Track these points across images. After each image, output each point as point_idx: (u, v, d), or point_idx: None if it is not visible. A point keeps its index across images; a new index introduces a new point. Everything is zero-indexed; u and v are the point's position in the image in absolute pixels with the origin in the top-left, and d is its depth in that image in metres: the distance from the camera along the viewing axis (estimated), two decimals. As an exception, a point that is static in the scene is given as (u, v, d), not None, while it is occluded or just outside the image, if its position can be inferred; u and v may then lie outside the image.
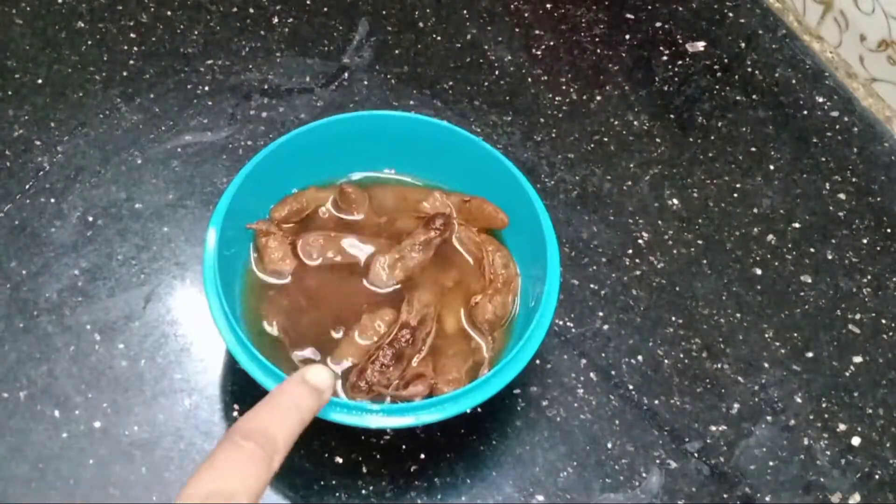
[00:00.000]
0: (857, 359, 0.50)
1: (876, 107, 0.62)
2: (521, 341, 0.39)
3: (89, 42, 0.60)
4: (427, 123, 0.47)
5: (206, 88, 0.58)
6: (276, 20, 0.62)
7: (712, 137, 0.59)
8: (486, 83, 0.60)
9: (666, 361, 0.49)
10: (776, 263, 0.53)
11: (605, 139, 0.58)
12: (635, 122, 0.59)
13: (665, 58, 0.63)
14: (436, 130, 0.47)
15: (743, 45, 0.64)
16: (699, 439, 0.47)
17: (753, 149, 0.58)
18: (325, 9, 0.63)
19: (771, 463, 0.46)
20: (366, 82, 0.59)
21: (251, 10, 0.63)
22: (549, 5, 0.65)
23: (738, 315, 0.51)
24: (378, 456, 0.45)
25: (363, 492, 0.44)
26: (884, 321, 0.52)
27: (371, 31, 0.62)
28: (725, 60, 0.63)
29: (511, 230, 0.47)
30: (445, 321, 0.44)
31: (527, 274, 0.46)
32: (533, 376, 0.48)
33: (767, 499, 0.45)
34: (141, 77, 0.58)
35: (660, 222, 0.55)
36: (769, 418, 0.48)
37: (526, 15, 0.64)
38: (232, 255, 0.44)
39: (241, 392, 0.46)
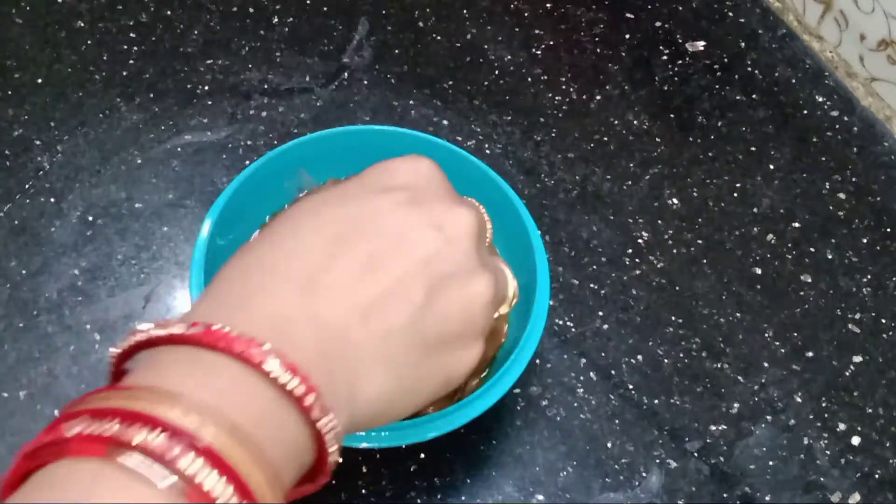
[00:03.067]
0: (857, 358, 0.50)
1: (876, 106, 0.62)
2: (508, 361, 0.39)
3: (89, 42, 0.60)
4: (421, 140, 0.46)
5: (206, 88, 0.58)
6: (276, 20, 0.62)
7: (712, 137, 0.59)
8: (485, 83, 0.60)
9: (666, 361, 0.49)
10: (776, 263, 0.54)
11: (605, 139, 0.58)
12: (635, 122, 0.59)
13: (665, 57, 0.63)
14: (427, 146, 0.46)
15: (743, 44, 0.64)
16: (699, 439, 0.47)
17: (753, 148, 0.58)
18: (325, 8, 0.63)
19: (771, 462, 0.46)
20: (366, 82, 0.59)
21: (251, 10, 0.63)
22: (548, 5, 0.65)
23: (738, 315, 0.51)
24: (378, 456, 0.45)
25: (363, 492, 0.44)
26: (884, 321, 0.52)
27: (371, 31, 0.62)
28: (725, 60, 0.63)
29: (501, 251, 0.47)
30: None
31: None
32: (533, 376, 0.48)
33: (767, 498, 0.45)
34: (141, 77, 0.58)
35: (660, 222, 0.55)
36: (769, 418, 0.48)
37: (526, 15, 0.64)
38: (224, 246, 0.44)
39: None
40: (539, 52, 0.62)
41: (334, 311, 0.27)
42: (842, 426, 0.48)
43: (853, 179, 0.58)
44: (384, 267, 0.28)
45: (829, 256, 0.54)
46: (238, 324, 0.25)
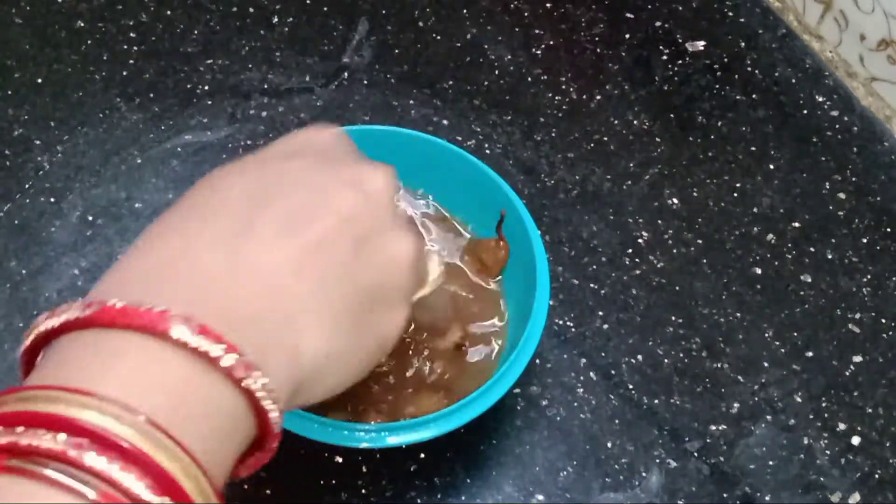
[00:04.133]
0: (857, 358, 0.50)
1: (876, 106, 0.62)
2: (508, 361, 0.39)
3: (89, 42, 0.60)
4: (421, 139, 0.46)
5: (206, 88, 0.58)
6: (275, 20, 0.62)
7: (712, 137, 0.59)
8: (485, 83, 0.60)
9: (666, 361, 0.49)
10: (776, 263, 0.53)
11: (605, 138, 0.58)
12: (635, 122, 0.59)
13: (665, 57, 0.63)
14: (427, 146, 0.46)
15: (743, 44, 0.64)
16: (699, 438, 0.47)
17: (753, 148, 0.58)
18: (325, 8, 0.63)
19: (771, 462, 0.46)
20: (366, 82, 0.59)
21: (251, 10, 0.63)
22: (548, 5, 0.65)
23: (738, 315, 0.51)
24: (378, 455, 0.45)
25: (363, 491, 0.44)
26: (884, 321, 0.52)
27: (371, 31, 0.62)
28: (725, 60, 0.63)
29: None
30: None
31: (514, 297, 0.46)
32: (532, 376, 0.48)
33: (767, 498, 0.45)
34: (141, 77, 0.58)
35: (660, 222, 0.55)
36: (769, 418, 0.48)
37: (526, 14, 0.64)
38: None
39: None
40: (539, 52, 0.62)
41: (266, 260, 0.26)
42: (842, 426, 0.48)
43: (853, 179, 0.58)
44: (310, 221, 0.27)
45: (829, 256, 0.54)
46: (153, 293, 0.24)
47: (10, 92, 0.57)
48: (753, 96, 0.61)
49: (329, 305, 0.27)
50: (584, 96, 0.60)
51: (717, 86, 0.61)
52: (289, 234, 0.27)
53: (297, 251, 0.27)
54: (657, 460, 0.46)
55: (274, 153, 0.31)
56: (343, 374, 0.28)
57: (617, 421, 0.47)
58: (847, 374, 0.50)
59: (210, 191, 0.28)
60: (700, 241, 0.54)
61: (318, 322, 0.27)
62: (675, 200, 0.56)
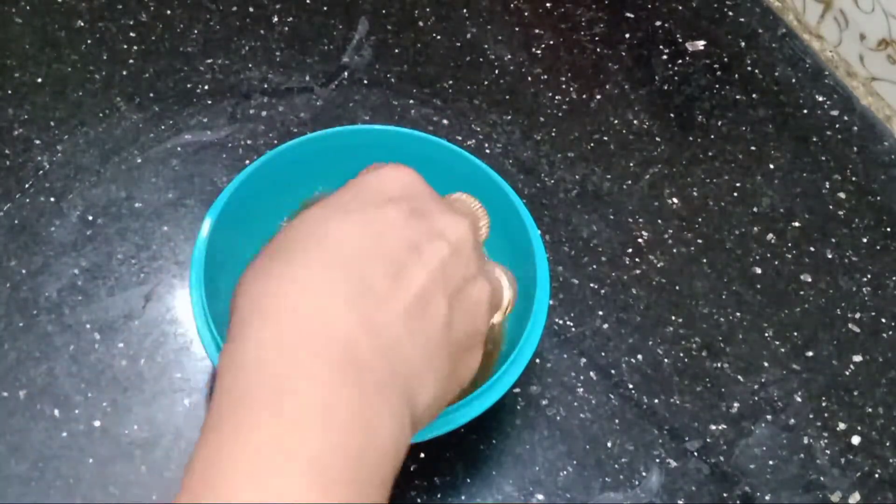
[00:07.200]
0: (857, 358, 0.50)
1: (876, 106, 0.62)
2: (508, 361, 0.39)
3: (89, 41, 0.60)
4: (421, 139, 0.46)
5: (206, 88, 0.58)
6: (275, 19, 0.62)
7: (712, 136, 0.59)
8: (485, 82, 0.60)
9: (666, 360, 0.49)
10: (776, 263, 0.54)
11: (605, 138, 0.58)
12: (635, 121, 0.59)
13: (665, 57, 0.63)
14: (427, 145, 0.46)
15: (743, 44, 0.64)
16: (699, 438, 0.47)
17: (753, 148, 0.58)
18: (325, 8, 0.63)
19: (771, 462, 0.46)
20: (366, 81, 0.59)
21: (251, 10, 0.63)
22: (548, 4, 0.65)
23: (738, 314, 0.51)
24: (378, 455, 0.45)
25: (363, 491, 0.44)
26: (884, 320, 0.52)
27: (371, 31, 0.62)
28: (725, 59, 0.63)
29: (501, 251, 0.46)
30: None
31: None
32: (532, 375, 0.48)
33: (767, 498, 0.45)
34: (141, 76, 0.58)
35: (660, 221, 0.55)
36: (769, 417, 0.48)
37: (526, 14, 0.64)
38: (226, 249, 0.44)
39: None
40: (539, 52, 0.62)
41: (386, 320, 0.27)
42: (842, 426, 0.48)
43: (853, 179, 0.58)
44: (409, 277, 0.28)
45: (829, 256, 0.54)
46: (300, 372, 0.25)
47: (10, 92, 0.57)
48: (753, 96, 0.61)
49: (434, 360, 0.29)
50: (584, 96, 0.60)
51: (717, 86, 0.61)
52: (397, 292, 0.28)
53: (404, 310, 0.28)
54: (657, 460, 0.46)
55: (365, 197, 0.31)
56: (434, 416, 0.30)
57: (617, 421, 0.47)
58: (847, 374, 0.50)
59: (322, 238, 0.29)
60: (700, 241, 0.54)
61: (427, 376, 0.28)
62: (675, 200, 0.56)
